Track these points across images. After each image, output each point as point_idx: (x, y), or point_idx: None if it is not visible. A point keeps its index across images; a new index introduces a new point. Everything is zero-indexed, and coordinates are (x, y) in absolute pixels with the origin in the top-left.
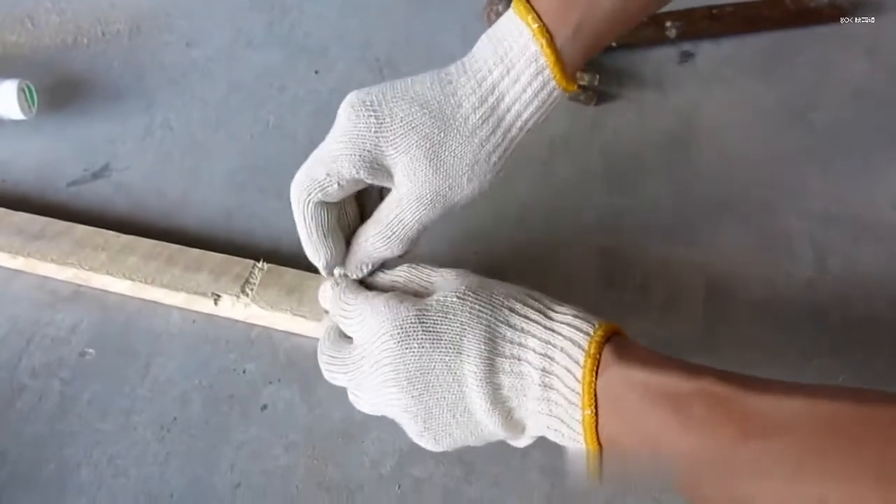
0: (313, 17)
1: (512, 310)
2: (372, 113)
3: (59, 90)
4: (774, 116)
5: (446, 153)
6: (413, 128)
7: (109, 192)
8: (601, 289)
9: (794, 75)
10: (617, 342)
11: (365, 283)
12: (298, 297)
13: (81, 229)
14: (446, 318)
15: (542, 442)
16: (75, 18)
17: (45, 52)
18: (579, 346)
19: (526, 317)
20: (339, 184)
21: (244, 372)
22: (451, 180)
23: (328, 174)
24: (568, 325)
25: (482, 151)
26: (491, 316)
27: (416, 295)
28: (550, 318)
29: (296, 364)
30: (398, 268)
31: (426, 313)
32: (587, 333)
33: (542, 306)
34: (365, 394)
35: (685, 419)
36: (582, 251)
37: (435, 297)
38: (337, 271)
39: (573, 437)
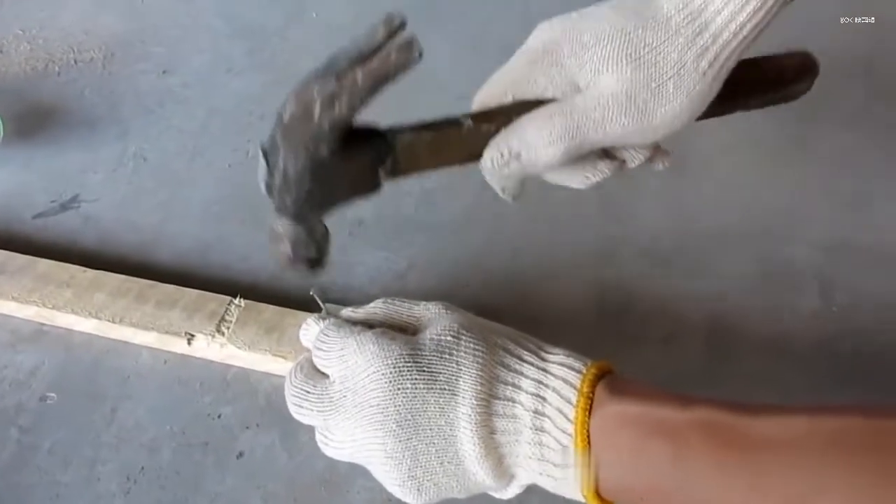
0: (296, 44)
1: (506, 350)
2: (559, 19)
3: (28, 119)
4: (772, 143)
5: (645, 49)
6: (606, 21)
7: (78, 224)
8: (599, 322)
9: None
10: (610, 380)
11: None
12: (278, 335)
13: (45, 264)
14: (442, 357)
15: (540, 490)
16: (46, 46)
17: (15, 79)
18: (571, 385)
19: (520, 357)
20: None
21: (219, 416)
22: (652, 81)
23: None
24: (560, 364)
25: (688, 53)
26: (487, 356)
27: (401, 331)
28: (543, 359)
29: (275, 407)
30: (373, 303)
31: (420, 351)
32: (579, 372)
33: (534, 347)
34: (340, 436)
35: (683, 452)
36: (579, 283)
37: (428, 334)
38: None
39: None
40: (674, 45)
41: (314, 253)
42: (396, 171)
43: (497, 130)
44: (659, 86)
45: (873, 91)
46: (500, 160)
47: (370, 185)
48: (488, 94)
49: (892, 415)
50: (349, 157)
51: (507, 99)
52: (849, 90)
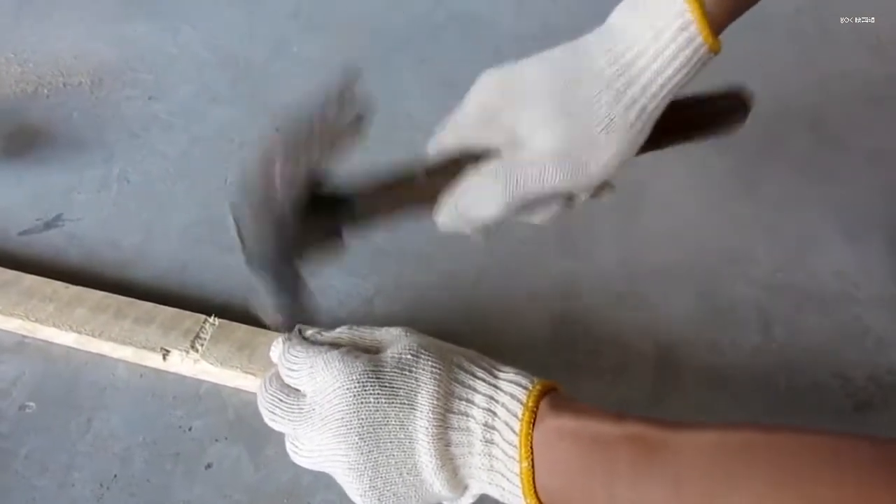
0: (278, 77)
1: (461, 367)
2: (497, 72)
3: (17, 139)
4: (723, 185)
5: (577, 104)
6: (540, 77)
7: (62, 242)
8: (553, 352)
9: (743, 146)
10: (554, 396)
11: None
12: (249, 353)
13: (30, 279)
14: (402, 373)
15: (490, 501)
16: (37, 69)
17: (5, 101)
18: (519, 401)
19: (473, 374)
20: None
21: (190, 429)
22: (585, 135)
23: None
24: (510, 381)
25: (618, 106)
26: (444, 373)
27: (365, 352)
28: (495, 377)
29: (244, 421)
30: (337, 329)
31: (382, 368)
32: (526, 388)
33: (487, 365)
34: (307, 446)
35: (613, 462)
36: (535, 314)
37: (389, 352)
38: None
39: (513, 492)
40: (604, 99)
41: (289, 300)
42: (357, 230)
43: (448, 181)
44: (591, 139)
45: (820, 139)
46: (451, 219)
47: (335, 248)
48: (441, 146)
49: (785, 430)
50: (313, 225)
51: (457, 150)
52: (797, 138)
